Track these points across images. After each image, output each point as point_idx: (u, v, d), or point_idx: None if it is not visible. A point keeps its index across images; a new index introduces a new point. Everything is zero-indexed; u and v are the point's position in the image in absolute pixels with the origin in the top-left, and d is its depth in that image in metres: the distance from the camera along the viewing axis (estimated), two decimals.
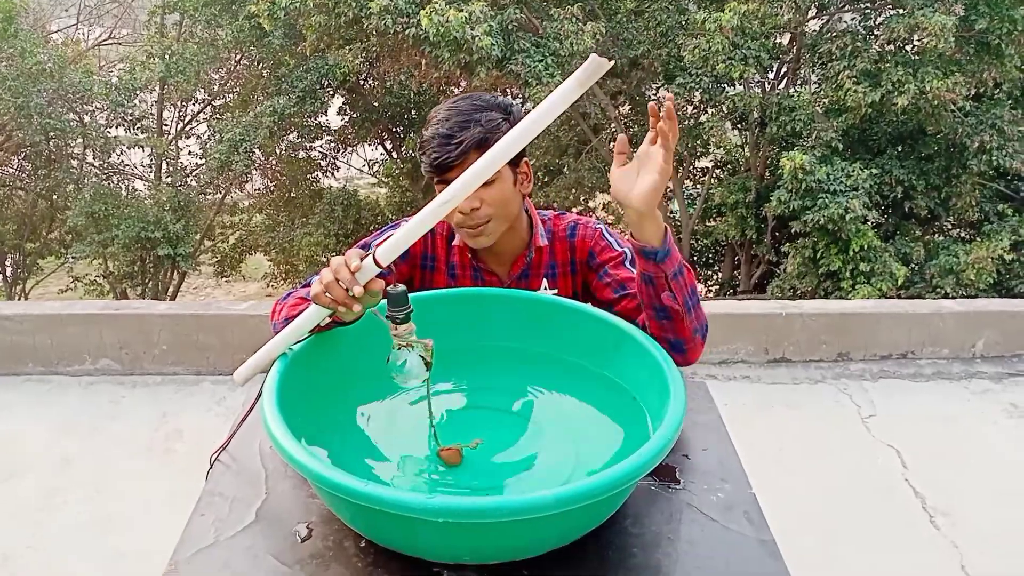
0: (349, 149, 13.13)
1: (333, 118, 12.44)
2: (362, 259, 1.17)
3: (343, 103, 12.20)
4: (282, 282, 12.95)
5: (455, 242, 1.56)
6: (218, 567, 1.10)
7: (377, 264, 1.17)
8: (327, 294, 1.18)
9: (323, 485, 0.99)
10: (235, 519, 1.18)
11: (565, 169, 11.27)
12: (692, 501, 1.24)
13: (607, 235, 1.55)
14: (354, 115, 12.20)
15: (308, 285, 1.48)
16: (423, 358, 1.19)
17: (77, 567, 2.40)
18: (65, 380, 3.45)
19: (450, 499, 0.96)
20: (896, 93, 7.66)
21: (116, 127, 11.23)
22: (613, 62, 1.04)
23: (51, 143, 10.82)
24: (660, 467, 1.29)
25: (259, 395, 1.33)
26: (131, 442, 3.04)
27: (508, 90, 10.38)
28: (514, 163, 1.46)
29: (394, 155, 12.94)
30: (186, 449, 2.96)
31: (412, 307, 1.17)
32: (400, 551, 1.07)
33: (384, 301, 1.20)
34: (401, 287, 1.17)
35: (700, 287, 12.15)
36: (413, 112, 11.99)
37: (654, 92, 10.81)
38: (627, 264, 1.48)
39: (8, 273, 12.58)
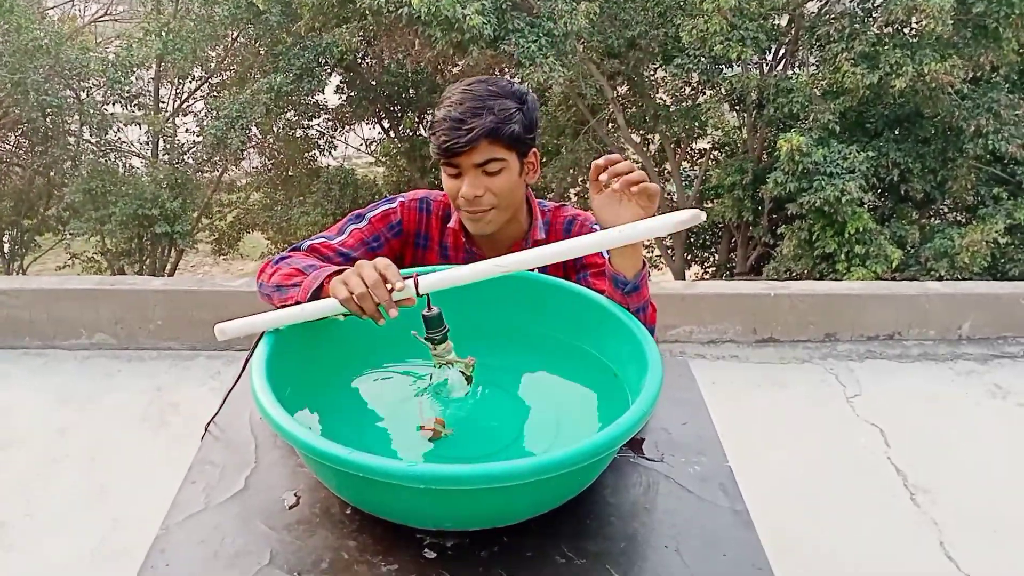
0: (347, 128, 13.08)
1: (331, 96, 12.40)
2: (397, 279, 1.16)
3: (340, 82, 12.16)
4: None
5: (450, 223, 1.55)
6: (208, 530, 1.13)
7: (416, 293, 1.18)
8: (356, 302, 1.17)
9: (309, 453, 1.02)
10: (225, 486, 1.21)
11: (563, 150, 11.26)
12: (670, 473, 1.28)
13: (594, 213, 1.56)
14: (352, 94, 12.16)
15: (297, 250, 1.48)
16: (463, 374, 1.23)
17: (74, 534, 2.44)
18: (61, 354, 3.48)
19: (430, 466, 0.99)
20: (894, 75, 7.66)
21: (113, 104, 11.18)
22: (705, 217, 1.12)
23: (48, 120, 10.78)
24: (639, 440, 1.34)
25: (245, 365, 1.35)
26: (126, 414, 3.07)
27: (503, 70, 10.35)
28: (523, 153, 1.45)
29: (391, 134, 12.91)
30: (181, 421, 3.00)
31: (448, 327, 1.20)
32: (384, 517, 1.10)
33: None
34: (436, 309, 1.19)
35: (697, 269, 12.17)
36: (410, 91, 11.96)
37: (652, 73, 10.78)
38: (607, 275, 1.50)
39: (6, 250, 12.58)
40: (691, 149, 11.71)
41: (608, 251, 1.33)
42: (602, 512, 1.19)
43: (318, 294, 1.28)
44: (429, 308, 1.20)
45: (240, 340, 1.37)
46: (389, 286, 1.16)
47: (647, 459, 1.31)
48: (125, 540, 2.38)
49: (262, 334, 1.27)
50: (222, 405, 1.39)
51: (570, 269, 1.55)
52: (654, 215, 1.24)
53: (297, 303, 1.29)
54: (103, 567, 2.31)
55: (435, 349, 1.22)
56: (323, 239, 1.50)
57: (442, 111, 1.41)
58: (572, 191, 11.91)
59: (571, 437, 1.27)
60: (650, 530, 1.17)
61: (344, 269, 1.26)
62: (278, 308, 1.33)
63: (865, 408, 3.15)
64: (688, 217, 1.10)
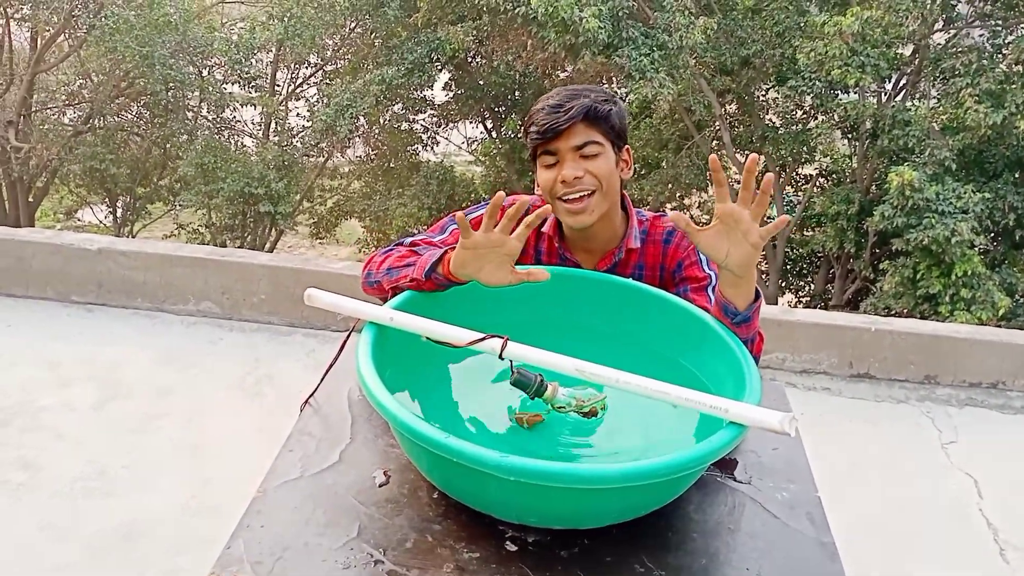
0: (450, 125, 13.26)
1: (438, 92, 12.59)
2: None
3: (449, 79, 12.32)
4: (373, 248, 13.17)
5: (544, 228, 1.55)
6: (302, 498, 1.18)
7: (500, 357, 1.21)
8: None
9: (407, 433, 1.04)
10: (320, 458, 1.26)
11: (663, 163, 11.14)
12: (756, 496, 1.26)
13: (700, 252, 1.51)
14: (459, 91, 12.32)
15: (401, 245, 1.48)
16: (580, 413, 1.23)
17: (168, 488, 2.56)
18: (169, 317, 3.66)
19: (523, 460, 1.00)
20: (1020, 116, 7.32)
21: (232, 84, 11.64)
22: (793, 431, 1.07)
23: (170, 93, 11.27)
24: (729, 461, 1.32)
25: (342, 346, 1.40)
26: (225, 381, 3.20)
27: (612, 79, 10.32)
28: (617, 146, 1.47)
29: (493, 134, 13.02)
30: (274, 393, 3.10)
31: (535, 383, 1.20)
32: (470, 505, 1.12)
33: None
34: (517, 376, 1.20)
35: (791, 297, 11.87)
36: (516, 94, 12.03)
37: (763, 93, 10.57)
38: (708, 291, 1.48)
39: (118, 214, 13.19)
40: (796, 174, 11.42)
41: (721, 281, 1.31)
42: (685, 527, 1.18)
43: (435, 269, 1.31)
44: (514, 373, 1.21)
45: (336, 321, 1.42)
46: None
47: (735, 480, 1.30)
48: (216, 498, 2.48)
49: (361, 321, 1.29)
50: (322, 380, 1.44)
51: (668, 283, 1.54)
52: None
53: (412, 281, 1.33)
54: (193, 522, 2.42)
55: (542, 400, 1.22)
56: (425, 237, 1.52)
57: (538, 105, 1.45)
58: (668, 205, 11.77)
59: (660, 448, 1.27)
60: (731, 551, 1.16)
61: None
62: (387, 291, 1.37)
63: (960, 456, 3.02)
64: (778, 421, 1.06)
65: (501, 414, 1.27)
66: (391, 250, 1.46)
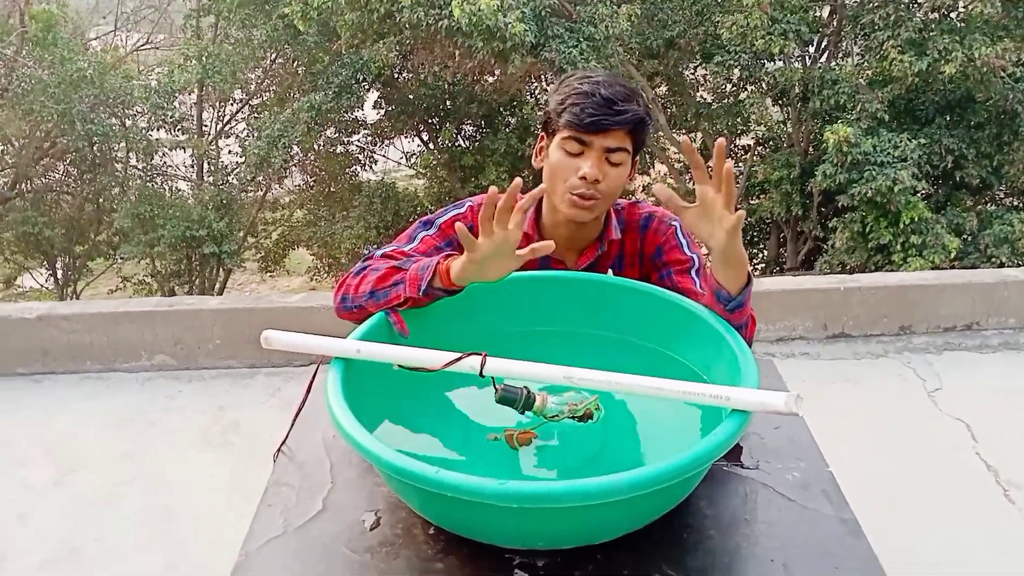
0: (386, 142, 13.14)
1: (369, 112, 12.47)
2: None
3: (378, 97, 12.22)
4: (325, 275, 13.07)
5: (523, 227, 1.51)
6: (289, 556, 1.10)
7: (480, 375, 1.15)
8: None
9: (394, 473, 0.97)
10: (302, 509, 1.18)
11: None
12: (767, 481, 1.21)
13: (680, 235, 1.48)
14: (390, 108, 12.22)
15: (371, 258, 1.41)
16: (574, 417, 1.16)
17: (144, 557, 2.43)
18: (122, 377, 3.50)
19: (524, 484, 0.94)
20: (943, 61, 7.45)
21: (157, 130, 11.40)
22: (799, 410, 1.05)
23: (95, 148, 11.01)
24: (733, 448, 1.26)
25: (309, 387, 1.32)
26: (188, 435, 3.07)
27: (544, 76, 10.32)
28: (636, 153, 1.41)
29: (431, 146, 12.93)
30: (243, 441, 2.99)
31: (521, 396, 1.14)
32: (471, 537, 1.05)
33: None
34: (501, 393, 1.13)
35: None
36: (448, 103, 11.97)
37: (692, 71, 10.66)
38: (692, 273, 1.44)
39: (59, 276, 12.87)
40: (735, 146, 11.55)
41: (712, 264, 1.27)
42: (700, 525, 1.13)
43: (431, 284, 1.24)
44: (496, 390, 1.14)
45: (300, 355, 1.33)
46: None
47: (743, 467, 1.24)
48: (197, 563, 2.35)
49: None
50: (292, 425, 1.35)
51: (650, 269, 1.49)
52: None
53: (407, 300, 1.26)
54: None
55: (532, 413, 1.15)
56: (395, 247, 1.44)
57: (586, 86, 1.35)
58: None
59: (660, 446, 1.21)
60: (753, 543, 1.11)
61: (451, 254, 1.25)
62: (372, 313, 1.29)
63: (948, 402, 3.02)
64: (783, 402, 1.03)
65: (482, 435, 1.20)
66: (365, 270, 1.36)
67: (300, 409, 1.35)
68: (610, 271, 1.49)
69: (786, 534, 1.11)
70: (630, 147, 1.38)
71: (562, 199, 1.40)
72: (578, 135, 1.35)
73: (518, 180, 1.18)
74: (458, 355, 1.16)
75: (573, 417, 1.15)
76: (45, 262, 12.84)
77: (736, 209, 1.19)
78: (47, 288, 13.31)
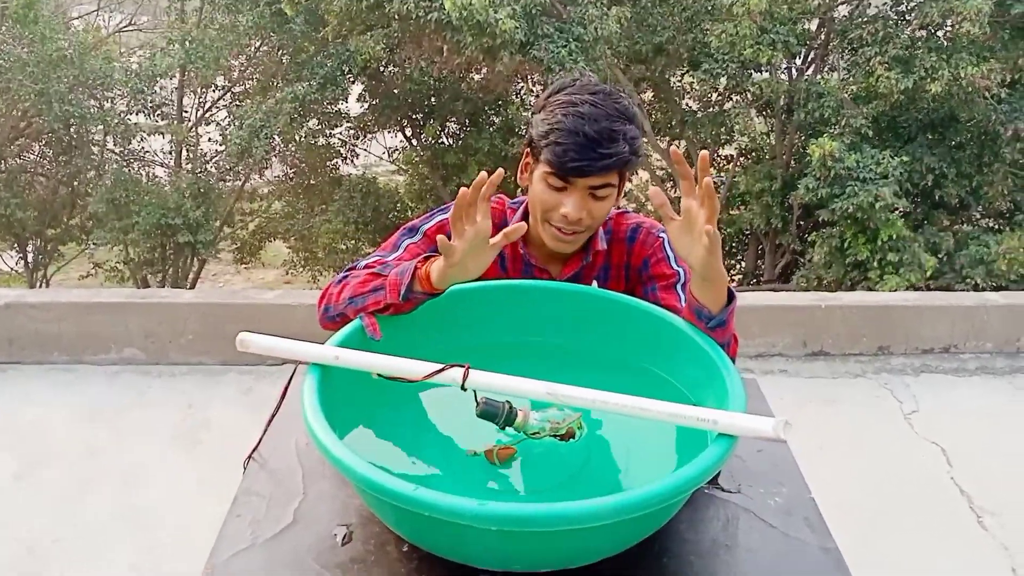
0: (369, 136, 13.06)
1: (353, 105, 12.38)
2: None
3: (363, 90, 12.14)
4: (301, 269, 12.95)
5: (490, 216, 1.47)
6: (256, 569, 1.06)
7: (462, 388, 1.11)
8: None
9: (370, 489, 0.94)
10: (272, 520, 1.13)
11: None
12: (749, 506, 1.19)
13: (667, 247, 1.45)
14: (374, 102, 12.13)
15: (354, 269, 1.38)
16: (556, 436, 1.13)
17: (107, 562, 2.37)
18: (90, 369, 3.43)
19: (504, 506, 0.90)
20: (929, 79, 7.53)
21: (136, 114, 11.25)
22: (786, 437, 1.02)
23: (72, 130, 10.85)
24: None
25: (284, 392, 1.29)
26: (158, 432, 3.01)
27: (530, 76, 10.29)
28: (624, 180, 1.38)
29: (413, 142, 12.87)
30: (213, 439, 2.93)
31: (503, 412, 1.10)
32: (446, 557, 1.02)
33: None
34: (483, 407, 1.10)
35: None
36: (433, 99, 11.92)
37: (679, 78, 10.67)
38: (677, 288, 1.41)
39: (30, 259, 12.65)
40: (717, 155, 11.59)
41: (692, 282, 1.24)
42: (679, 550, 1.10)
43: (411, 289, 1.21)
44: (479, 404, 1.10)
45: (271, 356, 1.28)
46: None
47: (723, 490, 1.22)
48: (163, 568, 2.29)
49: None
50: (265, 432, 1.31)
51: (635, 282, 1.46)
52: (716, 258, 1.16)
53: (389, 306, 1.23)
54: None
55: (515, 426, 1.12)
56: (378, 257, 1.41)
57: (570, 121, 1.28)
58: None
59: (643, 468, 1.18)
60: (733, 570, 1.09)
61: (430, 256, 1.23)
62: (352, 319, 1.26)
63: (924, 425, 3.04)
64: (771, 427, 1.00)
65: (459, 452, 1.17)
66: (346, 279, 1.34)
67: (273, 415, 1.31)
68: (595, 282, 1.46)
69: (768, 563, 1.09)
70: (616, 179, 1.34)
71: (545, 231, 1.38)
72: (561, 176, 1.32)
73: (483, 174, 1.15)
74: (440, 366, 1.12)
75: (555, 436, 1.12)
76: (16, 245, 12.61)
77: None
78: (16, 272, 13.08)
